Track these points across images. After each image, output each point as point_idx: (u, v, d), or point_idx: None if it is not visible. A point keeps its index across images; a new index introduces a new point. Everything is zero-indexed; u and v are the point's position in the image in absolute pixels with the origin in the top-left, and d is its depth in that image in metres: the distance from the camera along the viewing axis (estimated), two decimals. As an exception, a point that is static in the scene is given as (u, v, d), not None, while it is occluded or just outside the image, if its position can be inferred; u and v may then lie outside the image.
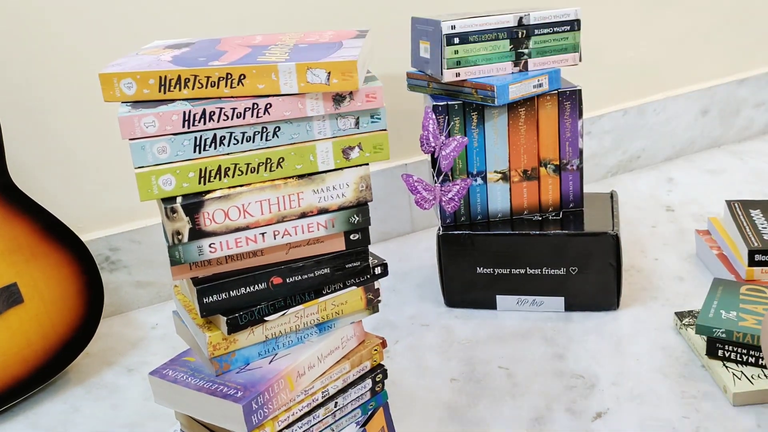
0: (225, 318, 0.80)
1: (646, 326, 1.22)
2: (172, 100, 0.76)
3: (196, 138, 0.75)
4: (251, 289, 0.81)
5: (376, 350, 0.93)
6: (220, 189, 0.76)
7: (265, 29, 1.38)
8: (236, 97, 0.76)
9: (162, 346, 1.30)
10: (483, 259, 1.27)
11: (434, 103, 1.24)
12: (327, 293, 0.86)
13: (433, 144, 1.23)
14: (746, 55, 1.89)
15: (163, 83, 0.75)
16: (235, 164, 0.76)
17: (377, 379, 0.94)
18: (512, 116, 1.26)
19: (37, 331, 1.15)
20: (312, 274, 0.84)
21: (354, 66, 0.75)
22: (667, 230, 1.53)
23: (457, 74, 1.22)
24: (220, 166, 0.76)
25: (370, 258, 0.88)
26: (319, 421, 0.87)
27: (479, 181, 1.28)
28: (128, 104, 0.76)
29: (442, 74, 1.22)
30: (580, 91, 1.26)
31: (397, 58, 1.45)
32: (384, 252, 1.55)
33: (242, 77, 0.75)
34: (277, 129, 0.77)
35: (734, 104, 1.89)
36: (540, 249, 1.25)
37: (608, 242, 1.22)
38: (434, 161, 1.25)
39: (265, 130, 0.76)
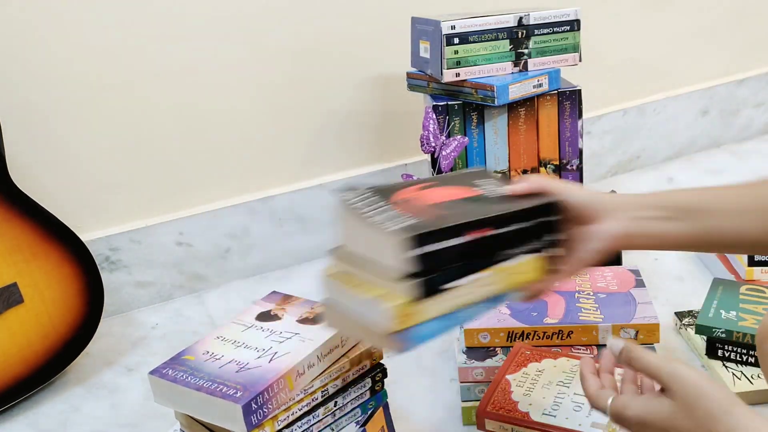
0: (420, 279, 0.72)
1: (646, 326, 1.22)
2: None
3: None
4: (454, 243, 0.73)
5: (375, 349, 0.93)
6: None
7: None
8: (564, 345, 1.00)
9: (162, 345, 1.30)
10: (483, 259, 1.26)
11: (434, 103, 1.24)
12: (513, 257, 0.79)
13: (433, 144, 1.23)
14: (746, 55, 1.89)
15: (510, 336, 1.00)
16: None
17: (377, 378, 0.94)
18: (512, 116, 1.26)
19: (37, 331, 1.15)
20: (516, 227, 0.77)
21: (657, 327, 0.98)
22: (667, 230, 1.53)
23: (457, 74, 1.22)
24: None
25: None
26: (318, 421, 0.87)
27: (479, 181, 1.28)
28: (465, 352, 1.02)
29: (442, 74, 1.22)
30: (580, 91, 1.26)
31: (397, 58, 1.45)
32: (384, 252, 1.54)
33: (571, 333, 0.99)
34: None
35: (734, 104, 1.89)
36: (540, 249, 1.25)
37: (608, 242, 1.22)
38: (434, 161, 1.25)
39: None
